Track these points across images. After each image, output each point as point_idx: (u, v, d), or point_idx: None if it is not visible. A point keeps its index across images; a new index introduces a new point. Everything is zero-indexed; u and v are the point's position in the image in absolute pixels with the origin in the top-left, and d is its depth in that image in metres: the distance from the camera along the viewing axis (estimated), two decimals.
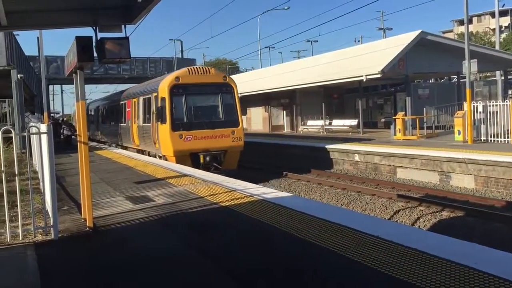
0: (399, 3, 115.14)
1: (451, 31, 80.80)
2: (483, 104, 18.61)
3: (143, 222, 6.58)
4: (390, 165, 16.47)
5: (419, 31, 22.81)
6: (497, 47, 30.71)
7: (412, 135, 21.63)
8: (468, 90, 18.07)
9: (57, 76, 41.49)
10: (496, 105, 17.86)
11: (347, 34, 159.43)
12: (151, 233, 6.04)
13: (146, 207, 7.58)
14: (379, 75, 21.43)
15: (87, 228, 6.27)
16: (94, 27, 5.90)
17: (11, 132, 5.82)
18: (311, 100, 31.41)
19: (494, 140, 17.69)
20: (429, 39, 23.07)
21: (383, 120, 29.68)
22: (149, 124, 17.28)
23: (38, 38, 22.39)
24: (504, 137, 17.33)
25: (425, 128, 21.90)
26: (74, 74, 6.44)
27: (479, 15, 78.69)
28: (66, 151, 20.28)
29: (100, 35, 5.86)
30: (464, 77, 20.42)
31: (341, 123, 28.54)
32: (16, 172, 5.90)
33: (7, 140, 6.03)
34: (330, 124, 29.25)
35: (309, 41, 64.83)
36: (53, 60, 41.40)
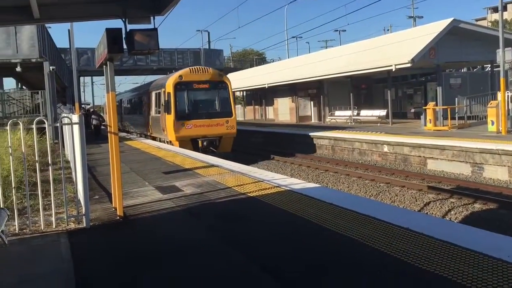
0: None
1: (484, 18, 78.45)
2: None
3: (171, 212, 6.67)
4: (420, 156, 16.18)
5: (451, 19, 22.19)
6: None
7: (443, 125, 21.18)
8: (502, 79, 17.55)
9: (88, 68, 42.32)
10: None
11: (376, 23, 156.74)
12: (179, 223, 6.11)
13: (175, 197, 7.67)
14: (409, 65, 21.01)
15: (118, 217, 6.39)
16: (123, 19, 5.95)
17: (44, 123, 5.96)
18: (338, 90, 31.08)
19: None
20: (461, 27, 22.44)
21: (412, 110, 29.12)
22: (159, 115, 20.38)
23: (69, 30, 22.81)
24: None
25: (456, 118, 21.39)
26: (104, 66, 6.53)
27: None
28: (97, 141, 20.70)
29: (129, 27, 5.91)
30: (498, 66, 19.81)
31: (369, 114, 28.16)
32: (50, 162, 6.05)
33: (41, 131, 6.17)
34: (358, 114, 28.90)
35: (337, 30, 64.13)
36: (83, 52, 42.20)
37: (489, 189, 12.02)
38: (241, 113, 49.45)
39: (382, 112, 26.87)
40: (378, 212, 5.77)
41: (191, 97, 19.03)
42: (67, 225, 6.08)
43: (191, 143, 18.39)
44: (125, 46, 5.79)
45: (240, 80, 43.03)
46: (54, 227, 5.96)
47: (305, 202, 6.68)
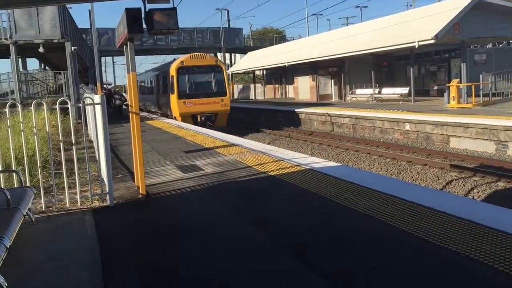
0: None
1: None
2: None
3: (193, 190, 6.75)
4: (443, 134, 15.95)
5: None
6: None
7: (467, 103, 20.77)
8: None
9: (109, 48, 42.60)
10: None
11: None
12: (200, 201, 6.19)
13: (196, 176, 7.75)
14: (432, 41, 20.51)
15: (140, 196, 6.50)
16: None
17: (67, 103, 6.05)
18: (360, 69, 30.62)
19: None
20: (487, 1, 21.74)
21: (435, 87, 28.58)
22: (166, 94, 23.70)
23: (89, 10, 22.90)
24: None
25: (481, 95, 20.94)
26: (124, 46, 6.56)
27: None
28: (119, 121, 20.94)
29: (149, 6, 5.90)
30: None
31: (391, 92, 27.73)
32: (73, 142, 6.16)
33: (64, 111, 6.26)
34: (379, 92, 28.50)
35: (358, 7, 63.24)
36: (104, 32, 42.43)
37: None
38: (261, 92, 49.24)
39: (404, 90, 26.43)
40: (399, 191, 5.74)
41: (191, 80, 22.14)
42: (92, 203, 6.21)
43: (191, 118, 21.47)
44: (144, 26, 5.80)
45: (260, 59, 42.74)
46: (79, 205, 6.10)
47: (325, 181, 6.68)
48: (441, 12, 22.32)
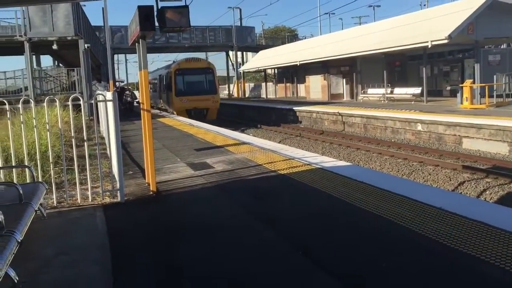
0: None
1: None
2: None
3: (203, 188, 6.76)
4: (455, 135, 15.80)
5: None
6: None
7: (480, 103, 20.55)
8: None
9: (121, 46, 42.79)
10: None
11: None
12: (211, 199, 6.20)
13: (206, 173, 7.76)
14: (446, 41, 20.34)
15: (151, 192, 6.53)
16: None
17: (79, 100, 6.10)
18: (372, 68, 30.44)
19: None
20: (501, 1, 21.53)
21: (448, 88, 28.30)
22: (166, 92, 27.50)
23: (103, 8, 23.07)
24: None
25: (495, 96, 20.68)
26: (137, 44, 6.59)
27: None
28: (130, 118, 21.06)
29: (161, 4, 5.91)
30: None
31: (403, 91, 27.52)
32: (85, 138, 6.21)
33: (76, 108, 6.31)
34: (391, 92, 28.30)
35: (371, 6, 62.43)
36: (117, 30, 42.65)
37: None
38: (273, 90, 49.20)
39: (417, 90, 26.21)
40: (411, 191, 5.70)
41: (186, 80, 25.72)
42: (103, 199, 6.25)
43: (186, 112, 24.85)
44: (156, 24, 5.82)
45: (272, 58, 42.67)
46: (90, 201, 6.15)
47: (336, 180, 6.65)
48: (454, 12, 22.11)
